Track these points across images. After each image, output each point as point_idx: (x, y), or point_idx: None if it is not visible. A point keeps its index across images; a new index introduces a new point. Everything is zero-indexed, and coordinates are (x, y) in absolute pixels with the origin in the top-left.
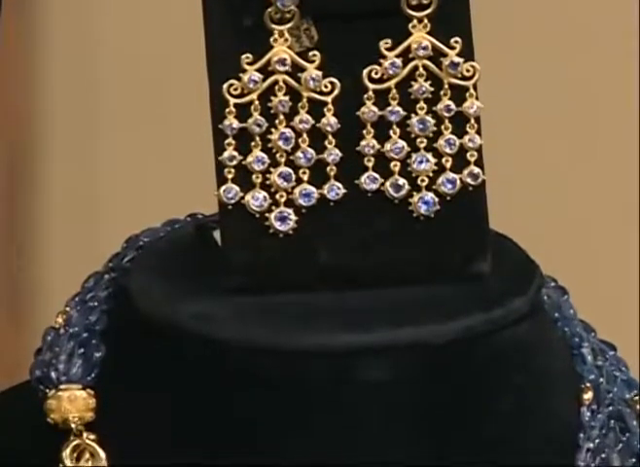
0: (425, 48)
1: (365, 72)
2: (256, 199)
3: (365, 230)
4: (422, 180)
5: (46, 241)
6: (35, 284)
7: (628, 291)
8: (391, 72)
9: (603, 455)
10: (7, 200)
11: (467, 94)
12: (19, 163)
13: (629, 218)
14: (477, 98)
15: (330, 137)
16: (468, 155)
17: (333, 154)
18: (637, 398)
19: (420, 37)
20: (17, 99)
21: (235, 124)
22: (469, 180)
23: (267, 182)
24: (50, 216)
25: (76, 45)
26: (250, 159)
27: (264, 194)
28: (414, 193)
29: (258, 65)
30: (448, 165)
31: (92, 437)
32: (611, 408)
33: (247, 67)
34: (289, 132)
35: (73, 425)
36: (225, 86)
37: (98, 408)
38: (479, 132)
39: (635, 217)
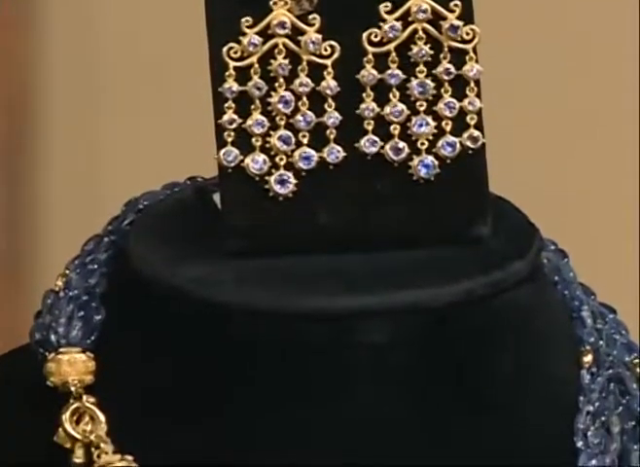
0: (425, 11)
1: (364, 35)
2: (256, 163)
3: (365, 193)
4: (422, 143)
5: (46, 205)
6: (35, 247)
7: (628, 254)
8: (391, 35)
9: (603, 418)
10: (7, 164)
11: (467, 58)
12: (19, 127)
13: (629, 181)
14: (476, 62)
15: (329, 100)
16: (468, 118)
17: (332, 117)
18: (637, 361)
19: (420, 0)
20: (17, 64)
21: (235, 87)
22: (469, 143)
23: (267, 145)
24: (50, 180)
25: (77, 12)
26: (250, 122)
27: (263, 157)
28: (414, 156)
29: (257, 28)
30: (448, 129)
31: (92, 400)
32: (611, 371)
33: (247, 30)
34: (289, 96)
35: (73, 388)
36: (224, 49)
37: (98, 371)
38: (478, 96)
39: (635, 180)
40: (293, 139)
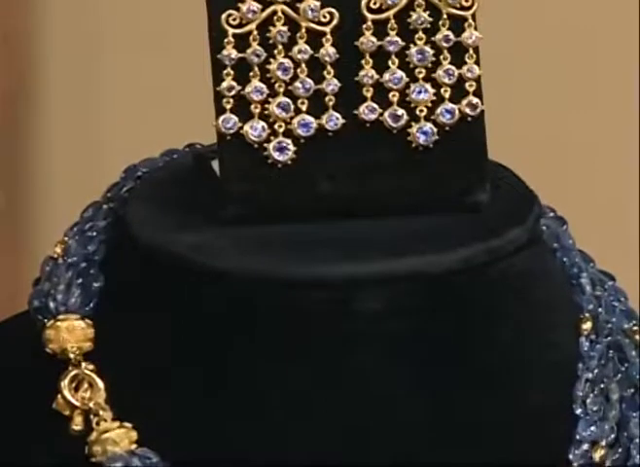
0: None
1: (363, 2)
2: (254, 130)
3: (364, 160)
4: (421, 110)
5: (45, 172)
6: (34, 213)
7: (628, 221)
8: (390, 2)
9: (602, 386)
10: (7, 130)
11: (466, 25)
12: (19, 90)
13: (629, 148)
14: (475, 29)
15: (328, 67)
16: (466, 85)
17: (331, 84)
18: (636, 328)
19: None
20: (16, 22)
21: (234, 54)
22: (467, 110)
23: (266, 112)
24: (49, 147)
25: None
26: (249, 89)
27: (262, 124)
28: (413, 123)
29: None
30: (447, 96)
31: (91, 367)
32: (610, 338)
33: None
34: (287, 63)
35: (71, 355)
36: (223, 16)
37: (97, 338)
38: (477, 63)
39: (635, 147)
40: (292, 106)
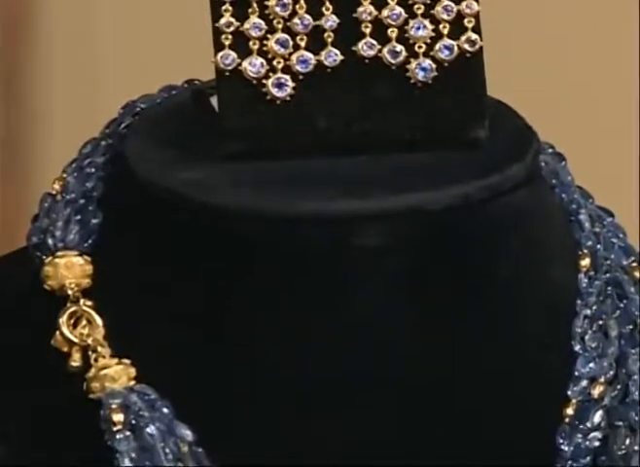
0: None
1: None
2: (253, 66)
3: (362, 96)
4: (419, 47)
5: (44, 108)
6: (33, 150)
7: (626, 157)
8: None
9: (600, 322)
10: (5, 66)
11: None
12: (18, 26)
13: (628, 82)
14: None
15: (327, 4)
16: (465, 21)
17: (330, 20)
18: (635, 264)
19: None
20: None
21: None
22: (466, 46)
23: (265, 48)
24: (48, 83)
25: None
26: (247, 25)
27: (261, 60)
28: (412, 59)
29: None
30: (446, 32)
31: (89, 303)
32: (608, 274)
33: None
34: None
35: (70, 292)
36: None
37: (95, 274)
38: None
39: (635, 81)
40: (290, 42)
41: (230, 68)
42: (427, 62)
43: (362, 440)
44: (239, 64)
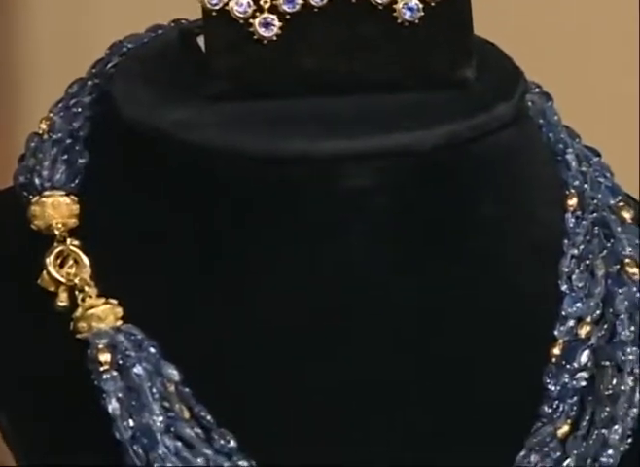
0: None
1: None
2: (240, 5)
3: (349, 36)
4: None
5: (29, 48)
6: (19, 91)
7: (614, 96)
8: None
9: (587, 262)
10: None
11: None
12: None
13: (620, 22)
14: None
15: None
16: None
17: None
18: (622, 204)
19: None
20: None
21: None
22: None
23: None
24: (34, 23)
25: None
26: None
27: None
28: None
29: None
30: None
31: (76, 243)
32: (595, 214)
33: None
34: None
35: (57, 231)
36: None
37: (82, 214)
38: None
39: (636, 25)
40: None
41: (216, 8)
42: (414, 2)
43: (355, 381)
44: (226, 4)
